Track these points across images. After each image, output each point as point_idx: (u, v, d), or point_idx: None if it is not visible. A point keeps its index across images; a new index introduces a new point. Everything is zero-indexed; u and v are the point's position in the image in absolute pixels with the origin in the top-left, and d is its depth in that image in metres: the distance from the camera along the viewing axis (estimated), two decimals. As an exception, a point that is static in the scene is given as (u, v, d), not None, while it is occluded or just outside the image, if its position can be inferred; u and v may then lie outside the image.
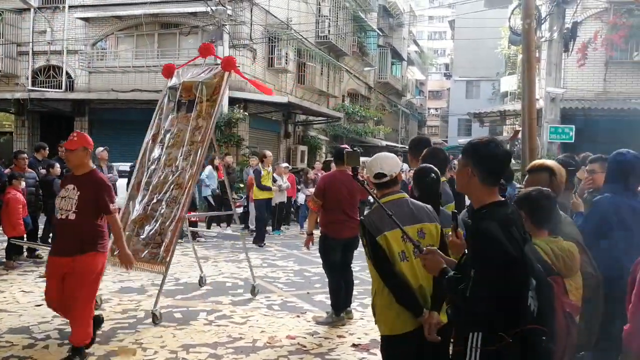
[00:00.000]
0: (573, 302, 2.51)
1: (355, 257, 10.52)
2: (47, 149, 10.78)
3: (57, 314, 6.20)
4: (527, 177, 3.83)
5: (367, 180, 3.43)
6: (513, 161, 13.92)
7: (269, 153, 12.61)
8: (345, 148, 6.77)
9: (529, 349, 2.32)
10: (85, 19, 19.99)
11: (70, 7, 20.06)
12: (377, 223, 3.14)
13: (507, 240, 2.35)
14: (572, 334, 2.38)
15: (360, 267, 9.54)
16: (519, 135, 8.12)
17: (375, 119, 29.88)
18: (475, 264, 2.44)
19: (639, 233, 3.71)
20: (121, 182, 12.53)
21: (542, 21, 14.05)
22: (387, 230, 3.11)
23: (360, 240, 6.38)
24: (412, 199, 3.39)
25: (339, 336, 5.79)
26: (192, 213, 12.21)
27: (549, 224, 3.19)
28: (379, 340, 5.46)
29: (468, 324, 2.49)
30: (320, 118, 23.49)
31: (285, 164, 15.14)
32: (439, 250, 2.77)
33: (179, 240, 11.74)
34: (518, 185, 5.89)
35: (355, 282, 8.37)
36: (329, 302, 6.66)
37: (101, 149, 11.89)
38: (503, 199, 2.60)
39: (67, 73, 20.15)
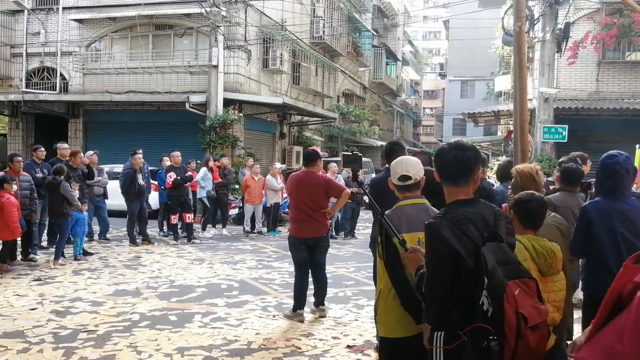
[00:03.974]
0: (541, 306, 2.52)
1: (349, 257, 10.67)
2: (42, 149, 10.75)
3: (52, 318, 6.24)
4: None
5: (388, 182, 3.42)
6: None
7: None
8: (314, 150, 6.86)
9: (475, 349, 2.37)
10: (79, 21, 19.93)
11: (64, 8, 20.01)
12: (396, 224, 3.14)
13: (454, 236, 2.44)
14: (526, 337, 2.38)
15: (355, 268, 9.60)
16: (513, 136, 8.17)
17: (370, 119, 29.93)
18: (426, 258, 2.58)
19: (629, 235, 3.75)
20: (114, 185, 12.56)
21: (535, 22, 14.11)
22: (404, 232, 3.12)
23: (324, 241, 6.51)
24: (432, 207, 3.38)
25: (334, 337, 5.81)
26: (188, 215, 12.27)
27: (536, 226, 3.26)
28: (373, 341, 5.55)
29: (434, 323, 2.58)
30: (315, 118, 23.50)
31: (279, 165, 15.16)
32: (422, 250, 2.81)
33: (174, 242, 11.85)
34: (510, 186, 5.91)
35: (350, 283, 8.48)
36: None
37: (91, 152, 11.89)
38: (472, 198, 2.66)
39: (61, 75, 20.11)
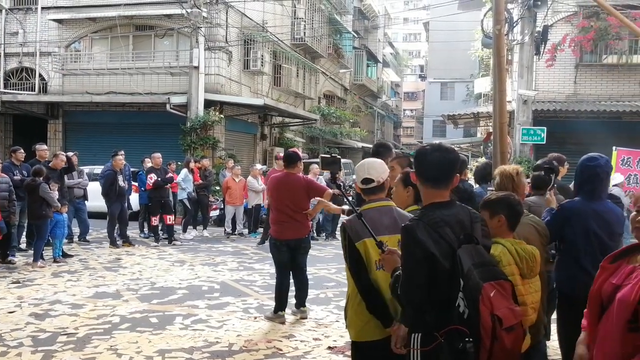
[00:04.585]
0: (516, 307, 2.56)
1: (330, 259, 10.70)
2: (21, 151, 10.66)
3: (31, 321, 6.19)
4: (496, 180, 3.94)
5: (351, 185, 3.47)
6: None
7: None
8: (295, 152, 6.88)
9: (452, 350, 2.40)
10: (59, 21, 19.73)
11: (42, 8, 19.79)
12: (358, 229, 3.14)
13: (430, 239, 2.45)
14: (502, 339, 2.42)
15: (337, 269, 9.62)
16: (492, 137, 8.25)
17: (351, 120, 30.04)
18: (402, 260, 2.59)
19: (603, 236, 3.83)
20: (94, 186, 12.47)
21: (514, 25, 14.28)
22: (367, 237, 3.11)
23: (305, 242, 6.50)
24: (398, 209, 3.40)
25: (315, 339, 5.84)
26: (169, 216, 12.21)
27: (515, 228, 3.32)
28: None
29: (411, 325, 2.60)
30: (296, 120, 23.53)
31: (260, 166, 15.14)
32: (398, 251, 2.80)
33: (155, 244, 11.79)
34: (490, 188, 5.98)
35: (331, 284, 8.51)
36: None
37: (70, 153, 11.80)
38: (448, 200, 2.67)
39: (40, 75, 19.89)
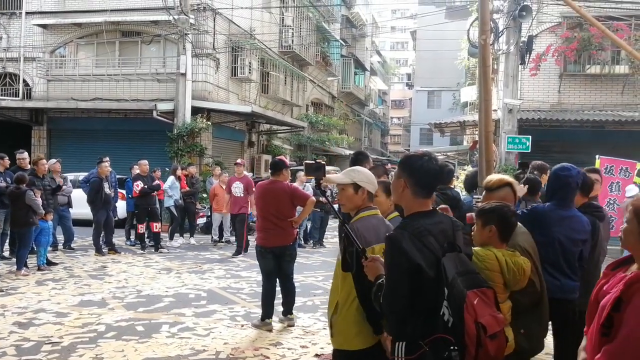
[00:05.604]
0: (499, 314, 2.59)
1: (318, 266, 10.70)
2: (7, 159, 10.55)
3: (14, 330, 6.12)
4: (485, 193, 3.90)
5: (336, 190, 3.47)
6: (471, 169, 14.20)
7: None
8: (281, 159, 6.93)
9: (437, 359, 2.41)
10: (43, 26, 19.58)
11: (27, 13, 19.67)
12: (366, 235, 3.17)
13: (415, 249, 2.45)
14: (486, 346, 2.44)
15: (324, 277, 9.63)
16: (478, 146, 8.30)
17: (338, 128, 30.14)
18: (385, 270, 2.59)
19: (566, 242, 3.97)
20: (78, 193, 12.38)
21: (500, 34, 14.41)
22: (375, 244, 3.13)
23: (290, 250, 6.50)
24: (385, 219, 3.45)
25: (302, 346, 5.84)
26: (155, 224, 12.15)
27: (509, 239, 3.33)
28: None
29: (395, 335, 2.61)
30: (284, 127, 23.54)
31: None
32: (381, 259, 2.80)
33: (141, 252, 11.73)
34: (476, 196, 6.02)
35: (318, 292, 8.52)
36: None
37: (53, 161, 11.72)
38: (431, 209, 2.69)
39: (24, 81, 19.74)
